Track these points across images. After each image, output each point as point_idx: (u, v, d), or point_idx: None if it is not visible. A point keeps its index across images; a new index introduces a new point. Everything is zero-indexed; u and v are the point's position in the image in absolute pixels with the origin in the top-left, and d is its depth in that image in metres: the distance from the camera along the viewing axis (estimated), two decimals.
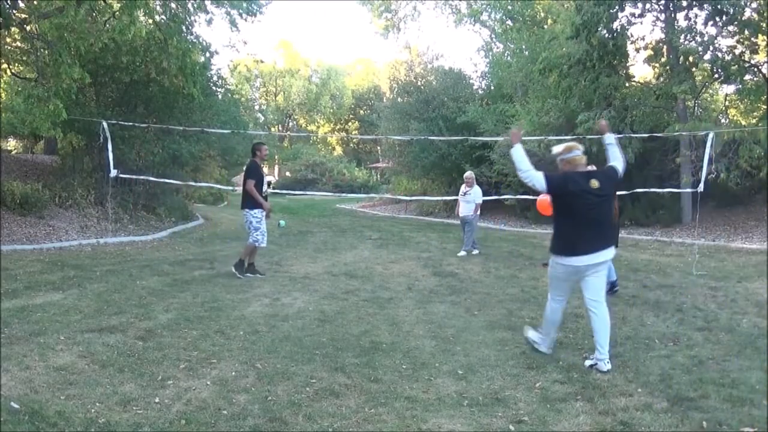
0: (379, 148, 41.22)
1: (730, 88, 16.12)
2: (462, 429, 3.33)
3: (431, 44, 56.32)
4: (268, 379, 4.00)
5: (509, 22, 25.12)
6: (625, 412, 3.50)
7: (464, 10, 27.33)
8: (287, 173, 45.41)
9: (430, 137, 18.63)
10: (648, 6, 14.69)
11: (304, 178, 39.33)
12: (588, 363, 4.35)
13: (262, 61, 33.17)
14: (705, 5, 13.54)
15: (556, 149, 4.58)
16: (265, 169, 8.25)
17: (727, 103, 16.98)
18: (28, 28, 9.89)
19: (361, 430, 3.30)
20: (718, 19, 13.41)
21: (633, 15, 14.67)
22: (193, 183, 15.43)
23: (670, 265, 9.36)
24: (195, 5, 12.95)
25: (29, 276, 7.18)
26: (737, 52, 13.46)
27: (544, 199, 8.66)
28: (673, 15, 14.55)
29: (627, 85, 15.76)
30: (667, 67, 14.42)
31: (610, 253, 4.43)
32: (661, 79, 14.88)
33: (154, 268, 8.23)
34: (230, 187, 21.08)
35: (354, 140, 53.61)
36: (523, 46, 21.03)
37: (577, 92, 15.12)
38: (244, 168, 8.23)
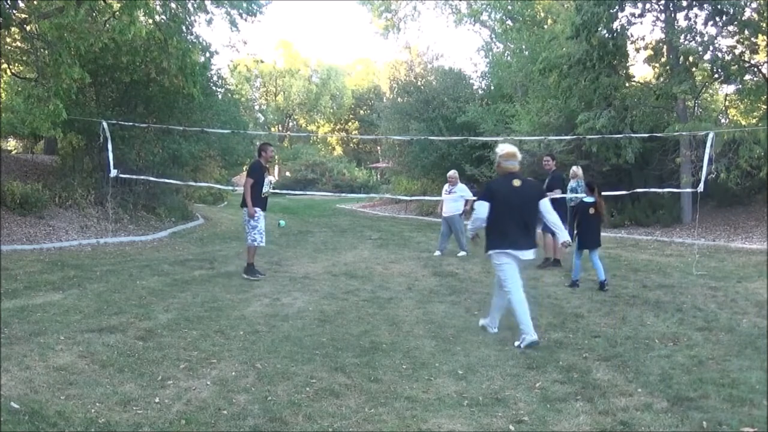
0: (379, 148, 41.27)
1: (730, 88, 16.11)
2: (462, 429, 3.33)
3: (431, 44, 56.52)
4: (268, 379, 4.00)
5: (509, 22, 25.13)
6: (625, 412, 3.49)
7: (464, 10, 27.35)
8: (287, 173, 45.43)
9: (430, 137, 18.63)
10: (648, 6, 14.68)
11: (304, 178, 39.36)
12: (516, 343, 4.86)
13: (262, 61, 33.07)
14: (705, 5, 13.53)
15: (500, 148, 5.25)
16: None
17: (727, 103, 16.96)
18: (28, 28, 9.87)
19: (361, 430, 3.30)
20: (718, 19, 13.39)
21: (633, 15, 14.65)
22: (193, 183, 15.41)
23: (670, 265, 9.36)
24: (195, 5, 12.94)
25: (29, 276, 7.18)
26: (737, 52, 13.44)
27: None
28: (673, 15, 14.54)
29: (627, 85, 15.74)
30: (667, 67, 14.41)
31: (532, 253, 5.09)
32: (661, 79, 14.86)
33: (154, 268, 8.23)
34: (230, 187, 21.09)
35: (354, 140, 53.61)
36: (523, 46, 21.04)
37: (577, 92, 15.11)
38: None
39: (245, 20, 14.55)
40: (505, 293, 5.06)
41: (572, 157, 15.88)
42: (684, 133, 12.62)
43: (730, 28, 13.53)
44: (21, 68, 12.96)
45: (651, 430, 3.28)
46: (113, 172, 10.31)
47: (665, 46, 14.68)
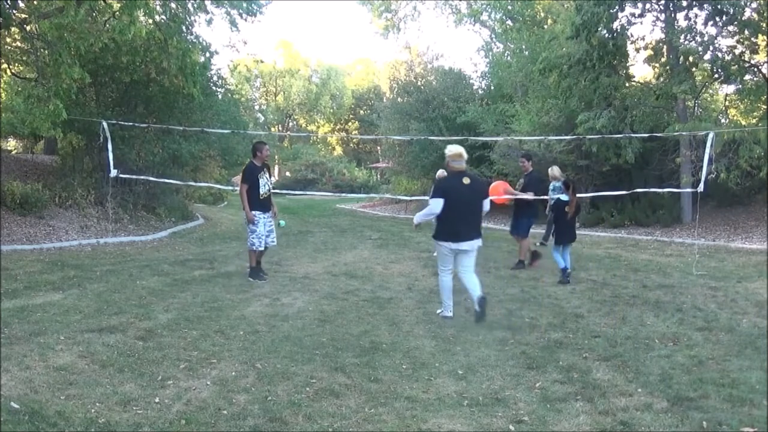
0: (379, 148, 41.25)
1: (730, 88, 16.11)
2: (462, 429, 3.33)
3: (431, 44, 56.49)
4: (268, 379, 4.00)
5: (509, 22, 25.12)
6: (625, 412, 3.49)
7: (464, 10, 27.34)
8: (287, 173, 45.44)
9: (430, 137, 18.61)
10: (648, 6, 14.67)
11: (304, 178, 39.35)
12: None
13: (262, 61, 33.05)
14: (705, 5, 13.53)
15: (448, 149, 5.73)
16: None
17: (727, 103, 16.96)
18: (28, 28, 9.87)
19: (361, 430, 3.30)
20: (718, 19, 13.39)
21: (633, 15, 14.65)
22: (193, 183, 15.41)
23: (670, 265, 9.36)
24: (195, 5, 12.93)
25: (29, 276, 7.19)
26: (737, 52, 13.44)
27: (495, 186, 8.88)
28: (673, 15, 14.54)
29: (627, 85, 15.74)
30: (667, 67, 14.41)
31: (478, 243, 5.72)
32: (661, 79, 14.86)
33: (154, 268, 8.23)
34: (230, 187, 21.06)
35: (354, 140, 53.62)
36: (523, 46, 21.02)
37: (577, 92, 15.10)
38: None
39: (245, 20, 14.57)
40: (439, 273, 5.91)
41: (572, 157, 15.90)
42: (684, 133, 12.62)
43: (730, 28, 13.53)
44: (21, 68, 12.96)
45: (651, 430, 3.28)
46: (113, 172, 10.30)
47: (665, 46, 14.68)
